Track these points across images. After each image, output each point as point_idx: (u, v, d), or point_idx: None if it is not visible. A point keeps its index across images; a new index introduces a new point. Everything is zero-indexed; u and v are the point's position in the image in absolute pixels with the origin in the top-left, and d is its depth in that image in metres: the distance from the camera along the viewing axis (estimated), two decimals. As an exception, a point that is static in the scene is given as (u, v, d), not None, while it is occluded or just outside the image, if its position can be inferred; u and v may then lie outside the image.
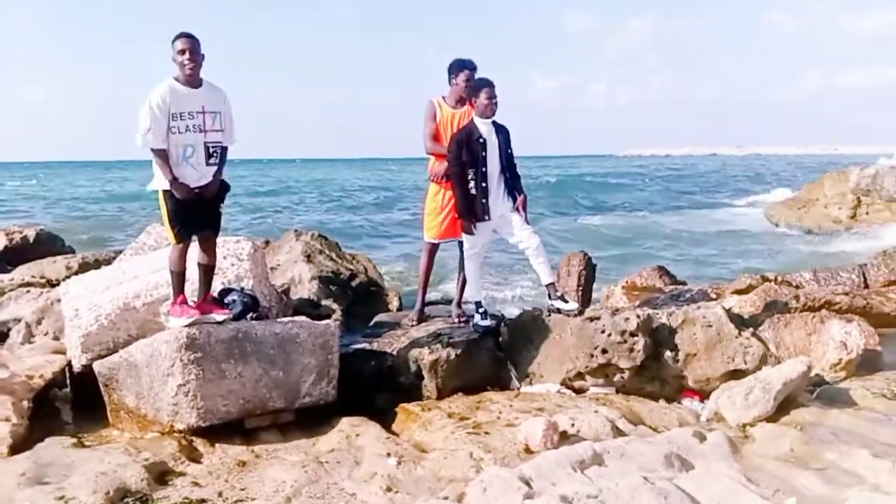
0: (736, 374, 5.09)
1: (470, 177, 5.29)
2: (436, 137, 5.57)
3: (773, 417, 4.66)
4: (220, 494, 3.68)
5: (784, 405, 4.74)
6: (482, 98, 5.29)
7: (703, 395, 5.13)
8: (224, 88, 4.63)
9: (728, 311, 5.57)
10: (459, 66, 5.55)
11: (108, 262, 7.54)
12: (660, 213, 29.09)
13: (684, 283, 9.50)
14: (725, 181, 48.10)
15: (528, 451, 4.09)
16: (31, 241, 12.17)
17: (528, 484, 3.46)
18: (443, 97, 5.64)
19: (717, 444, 4.13)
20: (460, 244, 5.70)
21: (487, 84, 5.32)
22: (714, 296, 7.58)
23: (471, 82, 5.45)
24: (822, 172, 23.99)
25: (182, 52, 4.34)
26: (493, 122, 5.38)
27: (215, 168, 4.53)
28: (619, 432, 4.37)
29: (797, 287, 8.24)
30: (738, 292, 7.95)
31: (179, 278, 4.56)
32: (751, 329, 5.49)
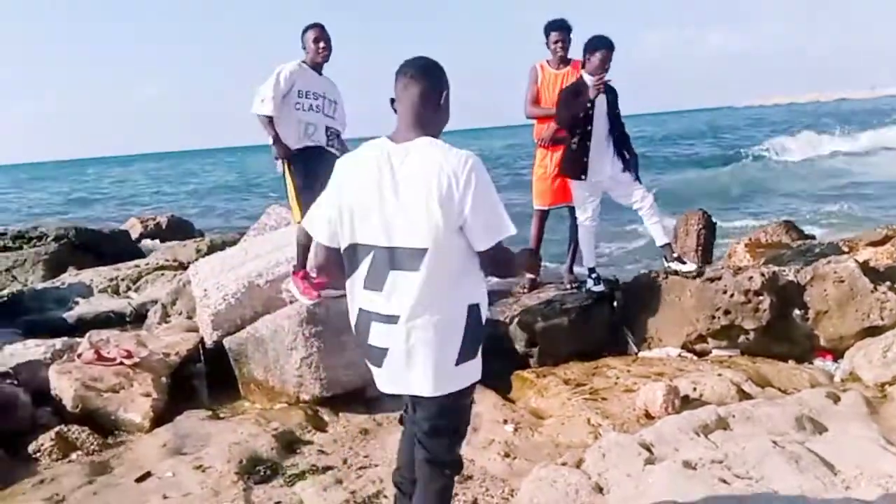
0: (872, 332, 4.79)
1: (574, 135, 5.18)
2: (537, 101, 5.52)
3: (915, 376, 4.36)
4: (344, 461, 3.81)
5: (927, 362, 4.43)
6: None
7: (837, 355, 4.87)
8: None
9: (862, 265, 5.22)
10: (549, 28, 5.49)
11: (234, 243, 7.90)
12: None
13: (813, 238, 8.99)
14: (855, 122, 44.78)
15: (648, 416, 4.01)
16: (164, 227, 12.99)
17: (648, 449, 3.40)
18: (546, 61, 5.56)
19: (852, 405, 3.91)
20: (571, 209, 5.61)
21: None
22: (846, 249, 7.12)
23: (566, 43, 5.37)
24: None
25: (317, 40, 4.74)
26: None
27: (334, 150, 4.80)
28: (745, 395, 4.22)
29: (941, 235, 7.62)
30: (873, 244, 7.43)
31: (304, 251, 4.75)
32: (888, 283, 5.12)
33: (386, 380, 2.31)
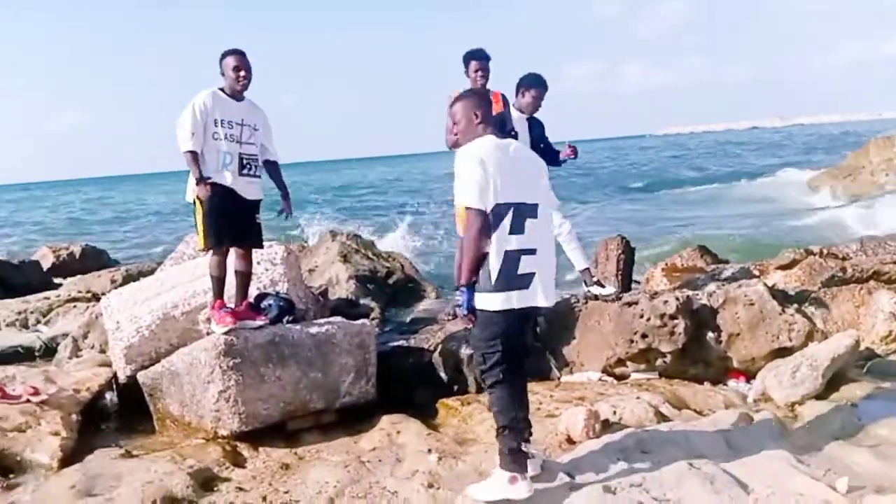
0: (782, 353, 4.97)
1: None
2: None
3: (822, 395, 4.54)
4: (264, 498, 3.70)
5: (833, 381, 4.62)
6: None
7: (749, 376, 5.02)
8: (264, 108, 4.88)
9: (771, 288, 5.43)
10: (469, 57, 5.53)
11: (151, 272, 7.67)
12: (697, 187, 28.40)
13: (727, 262, 9.30)
14: (767, 153, 46.87)
15: (569, 441, 4.04)
16: (78, 256, 12.49)
17: (569, 475, 3.42)
18: (464, 90, 5.60)
19: (764, 425, 4.04)
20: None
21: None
22: (757, 273, 7.40)
23: (487, 72, 5.45)
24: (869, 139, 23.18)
25: (237, 68, 4.63)
26: (529, 119, 5.33)
27: (249, 178, 4.70)
28: (662, 418, 4.30)
29: (843, 259, 8.01)
30: (782, 268, 7.75)
31: (219, 283, 4.66)
32: (795, 305, 5.34)
33: (532, 295, 3.23)
